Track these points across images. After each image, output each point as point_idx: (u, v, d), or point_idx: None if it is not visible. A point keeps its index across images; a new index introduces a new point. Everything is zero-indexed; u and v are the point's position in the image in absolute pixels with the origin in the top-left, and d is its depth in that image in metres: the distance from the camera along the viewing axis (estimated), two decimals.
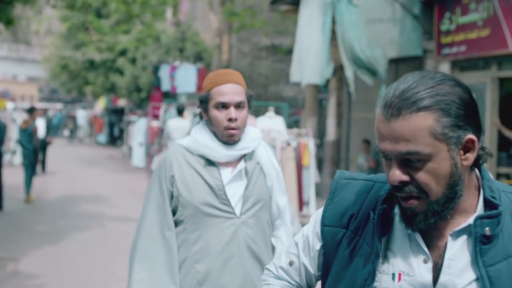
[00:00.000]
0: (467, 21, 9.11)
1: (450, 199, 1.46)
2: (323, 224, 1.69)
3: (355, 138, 13.14)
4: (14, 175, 15.11)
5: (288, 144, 9.37)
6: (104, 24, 23.71)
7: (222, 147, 2.82)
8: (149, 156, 15.24)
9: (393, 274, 1.53)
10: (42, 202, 12.90)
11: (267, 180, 2.91)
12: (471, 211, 1.50)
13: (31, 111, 13.55)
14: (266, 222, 2.92)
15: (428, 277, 1.49)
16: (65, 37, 30.43)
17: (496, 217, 1.46)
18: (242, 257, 2.79)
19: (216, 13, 19.10)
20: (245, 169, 2.85)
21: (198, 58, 20.23)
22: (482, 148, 1.49)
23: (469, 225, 1.47)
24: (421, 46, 10.18)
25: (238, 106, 2.80)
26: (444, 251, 1.49)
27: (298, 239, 1.78)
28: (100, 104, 36.78)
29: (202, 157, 2.83)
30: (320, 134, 14.44)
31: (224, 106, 2.77)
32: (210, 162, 2.82)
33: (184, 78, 17.96)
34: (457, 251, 1.48)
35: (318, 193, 12.30)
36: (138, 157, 19.83)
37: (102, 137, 32.66)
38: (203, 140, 2.83)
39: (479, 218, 1.46)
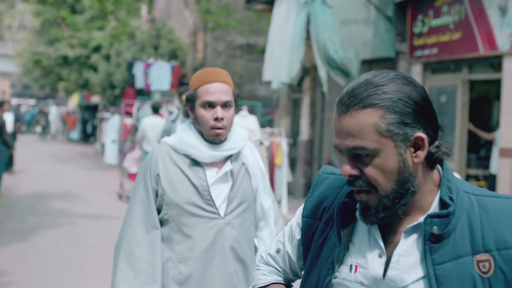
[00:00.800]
0: (439, 24, 9.22)
1: (401, 195, 1.48)
2: (302, 215, 1.76)
3: (328, 138, 13.21)
4: None
5: (261, 143, 9.39)
6: (78, 20, 23.49)
7: (208, 148, 2.79)
8: (122, 154, 15.14)
9: (351, 266, 1.58)
10: (12, 199, 12.75)
11: (252, 181, 2.89)
12: (427, 209, 1.53)
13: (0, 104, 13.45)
14: (251, 223, 2.90)
15: (380, 271, 1.52)
16: (38, 32, 30.08)
17: (445, 217, 1.48)
18: (225, 258, 2.77)
19: (191, 11, 19.05)
20: (230, 170, 2.83)
21: (172, 56, 20.15)
22: (438, 147, 1.51)
23: (420, 223, 1.50)
24: (393, 48, 10.28)
25: (225, 105, 2.77)
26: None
27: (286, 229, 1.87)
28: (73, 101, 36.44)
29: (187, 156, 2.81)
30: (294, 133, 14.49)
31: (210, 105, 2.75)
32: (195, 162, 2.80)
33: (158, 75, 17.88)
34: (408, 248, 1.51)
35: (290, 192, 12.35)
36: (111, 154, 19.70)
37: (75, 134, 32.37)
38: (189, 139, 2.80)
39: (430, 216, 1.49)
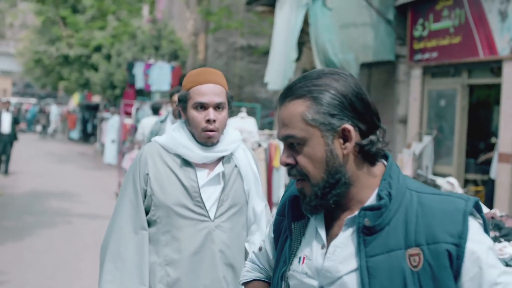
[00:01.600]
0: (439, 28, 9.19)
1: (332, 185, 1.55)
2: (276, 214, 1.85)
3: None
4: None
5: (259, 145, 9.35)
6: (80, 20, 23.48)
7: (200, 148, 2.73)
8: (121, 154, 15.12)
9: (300, 258, 1.65)
10: (10, 197, 12.72)
11: (244, 184, 2.82)
12: (365, 203, 1.58)
13: None
14: (242, 227, 2.83)
15: (320, 261, 1.59)
16: (39, 31, 30.08)
17: (377, 209, 1.51)
18: (213, 262, 2.70)
19: (192, 12, 19.04)
20: (222, 172, 2.76)
21: (173, 56, 20.13)
22: (372, 142, 1.54)
23: (356, 216, 1.55)
24: (393, 51, 10.24)
25: (217, 107, 2.71)
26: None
27: (268, 227, 1.96)
28: (74, 100, 36.43)
29: (178, 156, 2.74)
30: None
31: (203, 106, 2.69)
32: (186, 163, 2.74)
33: (158, 76, 17.86)
34: (344, 240, 1.56)
35: None
36: (110, 154, 19.68)
37: (75, 133, 32.34)
38: (180, 139, 2.74)
39: (363, 209, 1.53)
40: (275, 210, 9.82)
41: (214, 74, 2.76)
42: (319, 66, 10.00)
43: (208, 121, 2.69)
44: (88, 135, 31.40)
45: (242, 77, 19.90)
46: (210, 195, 2.73)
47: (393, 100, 10.43)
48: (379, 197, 1.54)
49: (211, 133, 2.70)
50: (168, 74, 17.96)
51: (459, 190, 6.13)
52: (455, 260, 1.46)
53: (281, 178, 10.17)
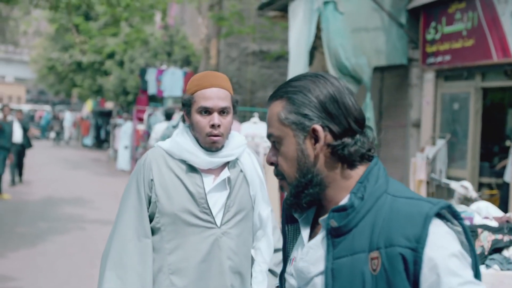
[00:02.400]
0: (452, 31, 9.13)
1: (305, 185, 1.57)
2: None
3: None
4: None
5: None
6: (92, 27, 23.61)
7: (205, 154, 2.65)
8: (134, 160, 15.14)
9: (291, 259, 1.69)
10: (24, 204, 12.78)
11: (250, 189, 2.75)
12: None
13: (1, 108, 13.65)
14: (248, 233, 2.75)
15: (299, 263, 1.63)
16: (52, 39, 30.29)
17: (343, 211, 1.51)
18: (221, 270, 2.62)
19: (204, 17, 19.09)
20: (228, 177, 2.69)
21: (186, 62, 20.19)
22: (344, 144, 1.54)
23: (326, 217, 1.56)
24: (406, 55, 10.19)
25: (222, 111, 2.64)
26: None
27: None
28: (88, 107, 36.62)
29: (183, 162, 2.67)
30: None
31: (207, 111, 2.62)
32: (192, 168, 2.66)
33: (171, 82, 17.91)
34: (317, 241, 1.58)
35: None
36: (123, 160, 19.74)
37: (89, 140, 32.49)
38: (185, 144, 2.67)
39: (331, 211, 1.54)
40: None
41: (218, 78, 2.69)
42: (331, 70, 9.98)
43: (212, 126, 2.62)
44: (101, 141, 31.53)
45: (254, 82, 19.90)
46: (216, 201, 2.66)
47: (406, 104, 10.37)
48: (351, 197, 1.54)
49: (215, 138, 2.64)
50: (180, 80, 18.01)
51: (473, 193, 6.08)
52: (412, 266, 1.40)
53: None
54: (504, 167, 8.66)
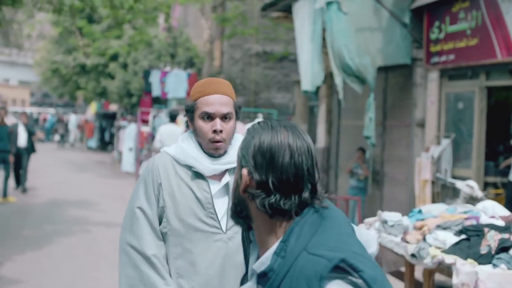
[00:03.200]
0: (456, 30, 9.11)
1: (239, 211, 1.68)
2: None
3: (345, 145, 13.11)
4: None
5: None
6: (96, 30, 23.64)
7: (208, 160, 2.68)
8: (138, 162, 15.15)
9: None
10: (29, 206, 12.81)
11: None
12: (268, 248, 1.61)
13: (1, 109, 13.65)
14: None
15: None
16: (56, 42, 30.34)
17: (266, 276, 1.54)
18: (229, 275, 2.63)
19: (207, 19, 19.10)
20: (228, 182, 2.70)
21: (189, 64, 20.20)
22: (264, 199, 1.57)
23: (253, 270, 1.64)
24: (410, 55, 10.18)
25: (224, 117, 2.65)
26: None
27: None
28: (92, 109, 36.67)
29: (189, 168, 2.69)
30: None
31: (209, 117, 2.64)
32: (198, 174, 2.68)
33: (175, 83, 17.93)
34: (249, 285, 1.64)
35: None
36: (127, 162, 19.76)
37: (93, 142, 32.53)
38: (190, 150, 2.70)
39: (258, 275, 1.60)
40: None
41: (221, 84, 2.71)
42: (335, 70, 9.97)
43: (215, 131, 2.64)
44: (106, 144, 31.56)
45: (258, 83, 19.90)
46: (221, 207, 2.68)
47: (410, 104, 10.36)
48: (273, 259, 1.54)
49: (218, 144, 2.66)
50: (184, 82, 18.03)
51: (479, 193, 6.06)
52: None
53: None
54: (508, 166, 8.64)
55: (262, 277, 1.54)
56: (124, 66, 22.88)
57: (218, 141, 2.65)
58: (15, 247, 8.87)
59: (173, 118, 11.84)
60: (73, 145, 35.48)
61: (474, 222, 4.58)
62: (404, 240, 4.90)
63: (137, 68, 21.27)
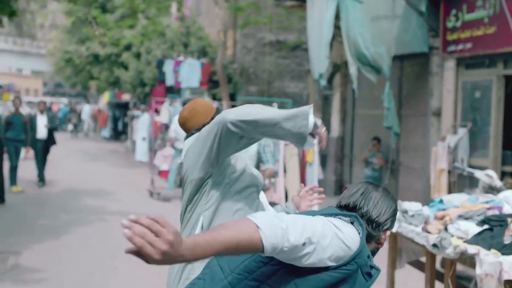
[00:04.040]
0: (473, 18, 9.04)
1: None
2: None
3: (359, 134, 13.07)
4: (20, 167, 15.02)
5: None
6: (109, 19, 23.65)
7: None
8: (152, 151, 15.19)
9: None
10: (45, 196, 12.88)
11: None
12: None
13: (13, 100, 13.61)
14: None
15: None
16: (69, 31, 30.39)
17: None
18: None
19: (221, 8, 19.04)
20: None
21: (202, 53, 20.16)
22: None
23: None
24: (426, 43, 10.11)
25: None
26: None
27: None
28: (105, 99, 36.77)
29: None
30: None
31: None
32: None
33: (188, 73, 17.91)
34: None
35: None
36: (141, 152, 19.79)
37: (106, 132, 32.63)
38: None
39: None
40: None
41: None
42: (350, 60, 9.93)
43: None
44: (119, 133, 31.64)
45: (271, 72, 19.85)
46: None
47: (426, 93, 10.29)
48: None
49: None
50: (197, 71, 18.00)
51: (498, 182, 6.03)
52: None
53: (314, 173, 10.13)
54: None
55: None
56: (137, 55, 22.88)
57: None
58: (32, 237, 8.93)
59: None
60: (87, 135, 35.61)
61: (496, 212, 4.55)
62: (425, 230, 4.89)
63: (150, 57, 21.25)
